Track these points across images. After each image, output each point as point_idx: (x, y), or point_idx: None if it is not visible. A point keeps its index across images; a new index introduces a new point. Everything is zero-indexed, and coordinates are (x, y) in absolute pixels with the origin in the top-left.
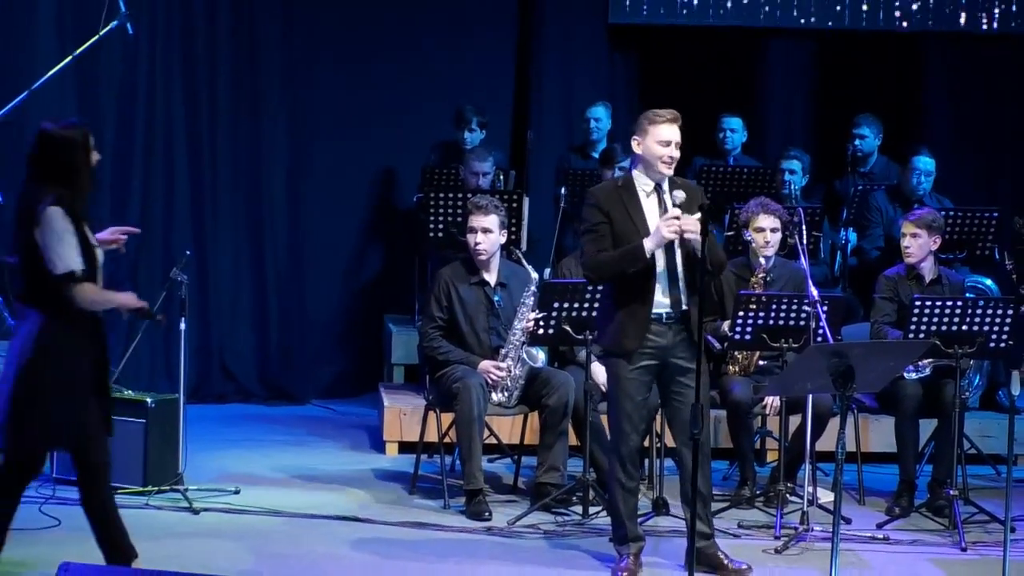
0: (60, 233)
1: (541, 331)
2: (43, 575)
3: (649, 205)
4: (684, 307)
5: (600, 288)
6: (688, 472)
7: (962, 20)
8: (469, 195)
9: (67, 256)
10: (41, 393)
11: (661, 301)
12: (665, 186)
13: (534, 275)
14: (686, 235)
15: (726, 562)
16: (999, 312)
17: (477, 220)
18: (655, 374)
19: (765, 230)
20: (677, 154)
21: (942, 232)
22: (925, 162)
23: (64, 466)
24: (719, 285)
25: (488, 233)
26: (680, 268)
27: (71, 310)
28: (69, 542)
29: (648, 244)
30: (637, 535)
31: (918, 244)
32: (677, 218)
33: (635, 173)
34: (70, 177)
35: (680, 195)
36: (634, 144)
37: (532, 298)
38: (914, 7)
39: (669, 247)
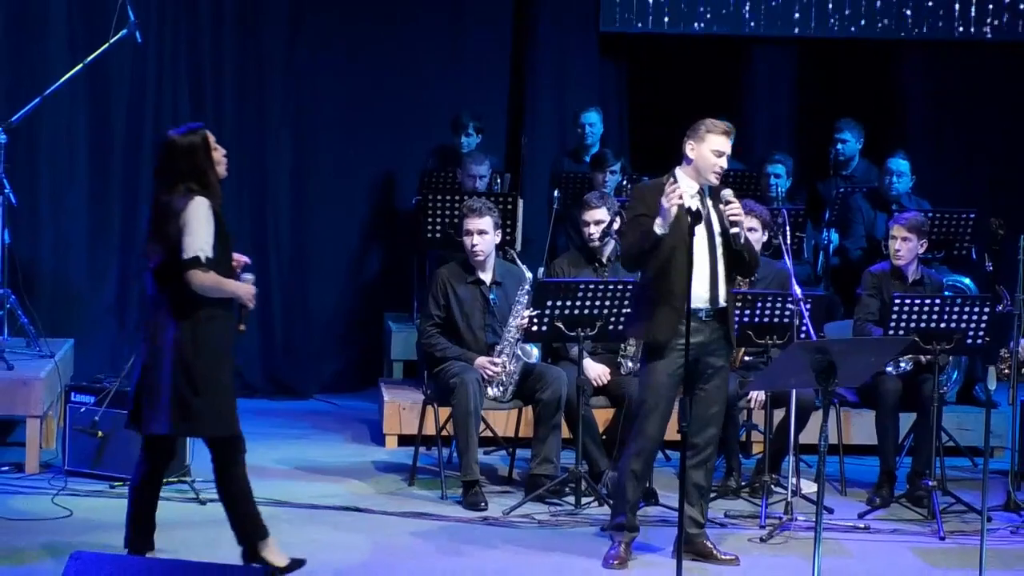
0: (202, 220)
1: (535, 328)
2: (55, 563)
3: (692, 206)
4: (722, 304)
5: (605, 289)
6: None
7: (939, 28)
8: (466, 197)
9: (200, 242)
10: (206, 379)
11: (701, 296)
12: (706, 190)
13: (528, 274)
14: (731, 218)
15: (714, 552)
16: (976, 310)
17: (473, 223)
18: (688, 371)
19: None
20: (726, 165)
21: (928, 236)
22: (898, 163)
23: (75, 459)
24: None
25: (484, 235)
26: (721, 265)
27: (203, 300)
28: (80, 532)
29: (657, 220)
30: (634, 525)
31: (908, 247)
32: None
33: (680, 174)
34: (199, 179)
35: (728, 193)
36: (688, 148)
37: (526, 296)
38: (892, 16)
39: (712, 244)
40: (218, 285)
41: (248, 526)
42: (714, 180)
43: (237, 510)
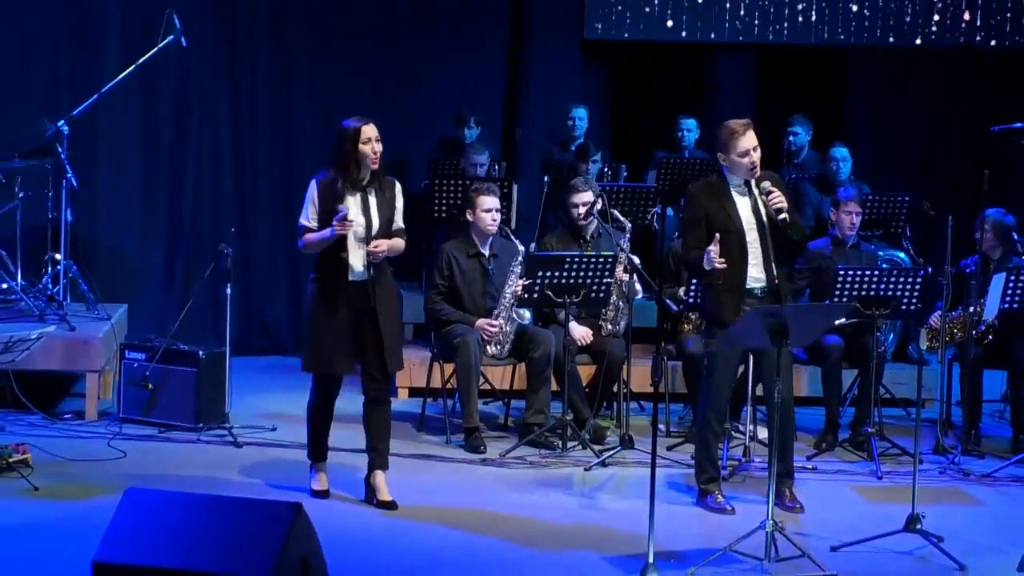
0: (307, 197)
1: (528, 295)
2: (111, 498)
3: (742, 201)
4: (775, 281)
5: (589, 261)
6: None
7: (878, 36)
8: (468, 182)
9: (303, 215)
10: (306, 326)
11: (757, 277)
12: (753, 182)
13: (520, 248)
14: (776, 206)
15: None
16: (909, 280)
17: (493, 201)
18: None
19: None
20: (759, 156)
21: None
22: (840, 151)
23: (129, 408)
24: (682, 256)
25: (498, 211)
26: (771, 245)
27: (313, 260)
28: (133, 471)
29: (706, 262)
30: (718, 476)
31: (858, 220)
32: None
33: (726, 172)
34: (337, 161)
35: (767, 185)
36: (721, 159)
37: (520, 267)
38: (839, 26)
39: (762, 230)
40: (307, 241)
41: (309, 446)
42: (753, 176)
43: (307, 428)
